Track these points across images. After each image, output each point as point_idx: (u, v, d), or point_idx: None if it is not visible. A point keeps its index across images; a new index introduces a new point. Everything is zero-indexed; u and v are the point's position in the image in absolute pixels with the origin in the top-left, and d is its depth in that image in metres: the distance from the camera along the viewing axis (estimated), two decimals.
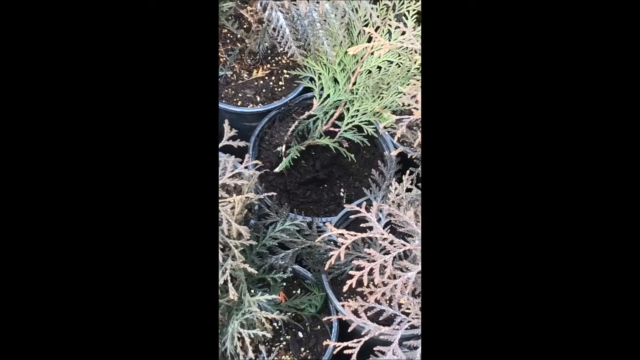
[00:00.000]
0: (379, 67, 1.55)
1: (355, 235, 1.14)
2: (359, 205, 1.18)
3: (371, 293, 1.13)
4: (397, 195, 1.27)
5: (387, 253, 1.12)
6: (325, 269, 1.16)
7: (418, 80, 1.21)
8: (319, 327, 1.43)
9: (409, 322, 1.16)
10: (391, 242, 1.13)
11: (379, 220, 1.22)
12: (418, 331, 1.19)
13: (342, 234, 1.14)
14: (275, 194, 1.33)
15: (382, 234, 1.14)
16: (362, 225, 1.16)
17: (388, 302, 1.18)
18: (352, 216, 1.18)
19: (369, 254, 1.13)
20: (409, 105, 1.20)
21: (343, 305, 1.20)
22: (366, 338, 1.15)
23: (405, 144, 1.48)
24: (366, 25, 1.48)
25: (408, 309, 1.18)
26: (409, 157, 1.39)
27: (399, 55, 1.54)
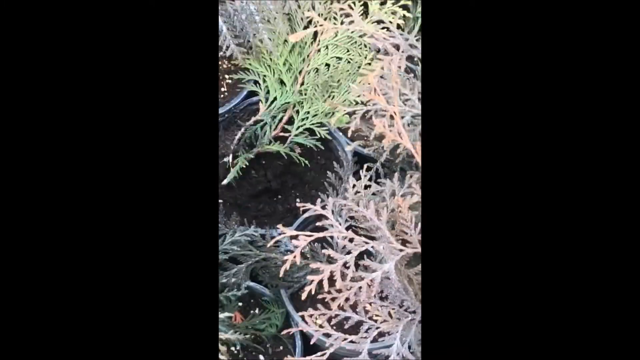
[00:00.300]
0: (327, 65, 1.45)
1: (312, 235, 1.02)
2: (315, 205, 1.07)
3: (334, 299, 1.01)
4: (356, 193, 1.16)
5: (349, 253, 1.00)
6: (280, 275, 1.03)
7: (369, 71, 1.11)
8: (281, 347, 1.30)
9: (377, 328, 1.03)
10: (352, 240, 1.01)
11: (340, 224, 1.11)
12: (389, 340, 1.06)
13: (295, 237, 1.02)
14: (221, 201, 1.21)
15: (341, 232, 1.03)
16: (318, 223, 1.05)
17: (353, 308, 1.06)
18: (307, 214, 1.06)
19: (329, 255, 1.01)
20: (361, 102, 1.11)
21: (303, 316, 1.07)
22: (331, 350, 1.03)
23: (360, 138, 1.36)
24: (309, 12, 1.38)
25: (377, 315, 1.06)
26: (365, 153, 1.28)
27: (348, 51, 1.45)
